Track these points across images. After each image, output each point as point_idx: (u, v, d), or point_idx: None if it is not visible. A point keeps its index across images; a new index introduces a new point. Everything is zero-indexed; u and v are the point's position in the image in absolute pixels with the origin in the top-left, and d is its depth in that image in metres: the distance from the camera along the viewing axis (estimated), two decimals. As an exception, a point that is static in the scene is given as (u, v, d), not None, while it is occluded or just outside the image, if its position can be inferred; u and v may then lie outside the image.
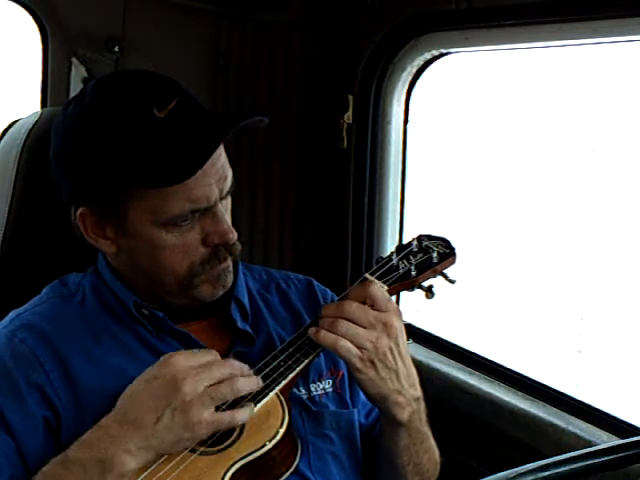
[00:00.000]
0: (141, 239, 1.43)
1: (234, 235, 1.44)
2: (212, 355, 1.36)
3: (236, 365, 1.35)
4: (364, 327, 1.42)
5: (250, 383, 1.35)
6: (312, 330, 1.44)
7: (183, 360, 1.32)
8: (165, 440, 1.29)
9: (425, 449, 1.55)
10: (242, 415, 1.33)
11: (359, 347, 1.41)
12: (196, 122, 1.40)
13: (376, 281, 1.51)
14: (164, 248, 1.42)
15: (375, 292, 1.46)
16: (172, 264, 1.44)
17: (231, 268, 1.50)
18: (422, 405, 1.51)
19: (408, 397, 1.47)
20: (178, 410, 1.28)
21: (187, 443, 1.31)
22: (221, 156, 1.43)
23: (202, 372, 1.31)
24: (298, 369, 1.43)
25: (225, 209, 1.45)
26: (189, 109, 1.41)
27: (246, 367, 1.36)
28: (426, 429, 1.54)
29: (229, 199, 1.48)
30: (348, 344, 1.41)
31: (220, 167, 1.42)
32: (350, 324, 1.42)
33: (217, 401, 1.30)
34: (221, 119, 1.44)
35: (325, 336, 1.42)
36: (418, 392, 1.50)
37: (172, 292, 1.48)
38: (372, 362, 1.42)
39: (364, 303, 1.45)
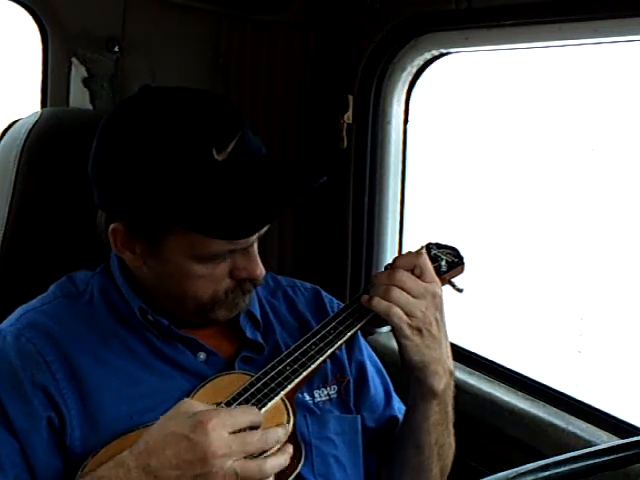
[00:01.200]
0: (171, 265, 1.42)
1: (262, 273, 1.45)
2: (250, 416, 1.30)
3: (270, 440, 1.29)
4: (415, 296, 1.47)
5: (279, 463, 1.31)
6: (365, 298, 1.49)
7: (220, 428, 1.25)
8: None
9: (449, 432, 1.59)
10: None
11: (409, 315, 1.46)
12: (255, 173, 1.36)
13: (424, 252, 1.55)
14: (193, 277, 1.42)
15: (426, 262, 1.51)
16: (196, 292, 1.44)
17: (251, 294, 1.50)
18: (452, 382, 1.55)
19: (445, 368, 1.51)
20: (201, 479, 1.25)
21: None
22: None
23: (235, 446, 1.25)
24: (305, 373, 1.42)
25: (256, 245, 1.45)
26: (246, 152, 1.37)
27: (282, 435, 1.31)
28: (451, 411, 1.57)
29: None
30: (400, 311, 1.46)
31: None
32: (403, 292, 1.47)
33: (242, 478, 1.26)
34: (285, 178, 1.39)
35: (378, 302, 1.47)
36: (452, 366, 1.55)
37: (188, 313, 1.48)
38: (419, 330, 1.47)
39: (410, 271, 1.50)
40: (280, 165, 1.42)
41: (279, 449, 1.31)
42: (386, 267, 1.54)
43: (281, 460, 1.31)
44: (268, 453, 1.30)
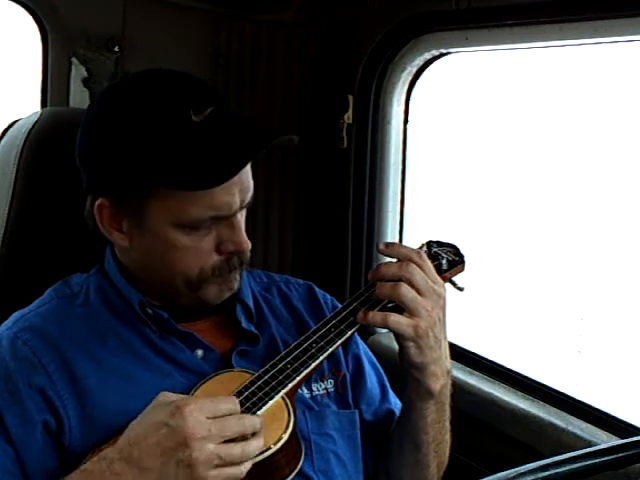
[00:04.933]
0: (156, 237, 1.42)
1: (248, 245, 1.45)
2: (228, 404, 1.31)
3: (248, 424, 1.30)
4: (421, 293, 1.45)
5: (259, 445, 1.31)
6: (360, 315, 1.46)
7: (197, 412, 1.26)
8: None
9: (446, 429, 1.58)
10: (247, 467, 1.29)
11: (414, 314, 1.44)
12: (231, 131, 1.39)
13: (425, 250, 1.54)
14: (178, 249, 1.42)
15: (430, 263, 1.49)
16: (183, 266, 1.44)
17: (239, 274, 1.50)
18: (449, 381, 1.54)
19: (443, 368, 1.50)
20: (184, 465, 1.25)
21: None
22: (247, 167, 1.43)
23: (213, 429, 1.26)
24: (306, 372, 1.42)
25: (241, 218, 1.46)
26: (225, 117, 1.40)
27: (258, 422, 1.32)
28: (448, 409, 1.57)
29: (244, 210, 1.48)
30: (397, 317, 1.44)
31: (245, 178, 1.42)
32: (410, 289, 1.44)
33: (225, 462, 1.26)
34: (256, 132, 1.44)
35: (374, 317, 1.45)
36: (449, 365, 1.53)
37: (179, 292, 1.48)
38: (424, 331, 1.45)
39: None
40: (252, 124, 1.44)
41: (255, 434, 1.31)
42: (378, 246, 1.53)
43: (260, 442, 1.31)
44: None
